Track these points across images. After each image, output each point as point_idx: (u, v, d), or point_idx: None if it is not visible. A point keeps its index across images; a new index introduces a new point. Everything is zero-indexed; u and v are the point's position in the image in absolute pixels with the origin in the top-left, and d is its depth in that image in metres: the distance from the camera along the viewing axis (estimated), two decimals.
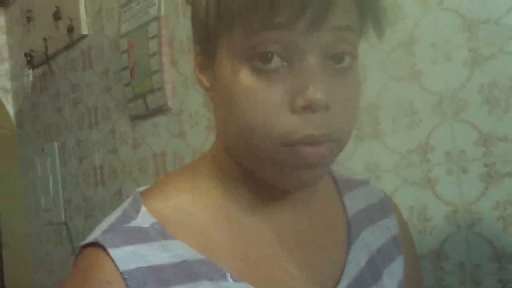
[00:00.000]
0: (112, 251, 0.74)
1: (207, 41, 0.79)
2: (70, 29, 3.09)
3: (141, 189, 0.87)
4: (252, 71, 0.71)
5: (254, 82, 0.71)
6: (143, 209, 0.81)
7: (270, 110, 0.70)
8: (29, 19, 3.54)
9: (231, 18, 0.72)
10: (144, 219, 0.79)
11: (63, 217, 3.31)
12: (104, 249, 0.75)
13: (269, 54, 0.70)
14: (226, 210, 0.83)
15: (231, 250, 0.81)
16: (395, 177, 1.65)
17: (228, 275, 0.78)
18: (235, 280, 0.77)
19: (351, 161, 1.76)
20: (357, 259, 0.92)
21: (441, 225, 1.54)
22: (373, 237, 0.97)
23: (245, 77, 0.72)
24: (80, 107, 3.15)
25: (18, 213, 3.78)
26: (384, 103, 1.67)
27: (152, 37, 2.47)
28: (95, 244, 0.76)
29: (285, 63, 0.71)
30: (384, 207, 1.05)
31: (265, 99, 0.71)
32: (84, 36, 3.05)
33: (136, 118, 2.68)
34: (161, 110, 2.51)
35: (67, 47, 3.21)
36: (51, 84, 3.43)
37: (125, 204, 0.83)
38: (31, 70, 3.53)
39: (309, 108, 0.69)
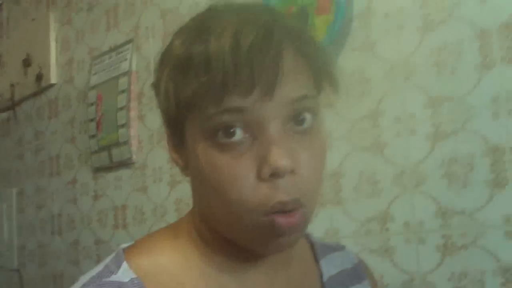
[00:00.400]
0: None
1: (174, 125, 0.82)
2: (39, 77, 3.10)
3: (124, 245, 0.87)
4: (217, 147, 0.74)
5: (220, 157, 0.74)
6: (124, 264, 0.81)
7: (239, 182, 0.73)
8: None
9: (189, 105, 0.76)
10: (124, 274, 0.80)
11: (16, 263, 3.26)
12: None
13: (231, 129, 0.73)
14: (204, 271, 0.84)
15: None
16: (354, 244, 1.68)
17: None
18: None
19: (312, 226, 1.79)
20: None
21: None
22: None
23: (212, 154, 0.75)
24: (42, 154, 3.14)
25: None
26: (347, 171, 1.72)
27: (122, 91, 2.50)
28: None
29: (247, 135, 0.74)
30: (358, 273, 1.07)
31: (233, 173, 0.73)
32: (52, 85, 3.06)
33: (99, 170, 2.69)
34: (125, 163, 2.52)
35: (35, 94, 3.22)
36: (14, 130, 3.42)
37: (108, 259, 0.84)
38: None
39: (275, 174, 0.72)
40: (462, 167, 1.47)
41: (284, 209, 0.73)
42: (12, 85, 3.31)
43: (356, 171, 1.70)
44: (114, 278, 0.80)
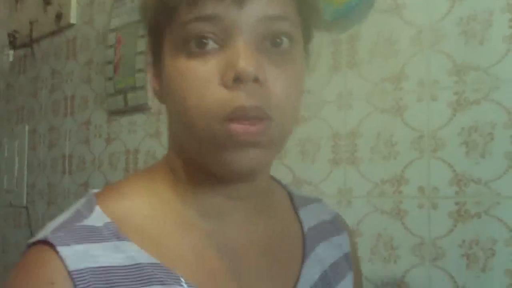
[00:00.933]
0: (61, 250, 0.72)
1: (154, 44, 0.83)
2: (59, 16, 3.09)
3: (95, 190, 0.84)
4: (188, 57, 0.74)
5: (189, 64, 0.74)
6: (97, 208, 0.79)
7: (202, 86, 0.72)
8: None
9: (165, 13, 0.76)
10: (97, 218, 0.77)
11: (25, 200, 3.29)
12: (53, 247, 0.72)
13: (204, 40, 0.73)
14: (183, 215, 0.82)
15: (186, 256, 0.80)
16: (366, 204, 1.70)
17: (182, 281, 0.76)
18: (189, 286, 0.76)
19: (325, 184, 1.82)
20: (311, 274, 0.92)
21: (406, 256, 1.60)
22: (326, 253, 0.98)
23: (182, 62, 0.74)
24: (57, 94, 3.15)
25: None
26: (364, 131, 1.73)
27: (142, 36, 2.49)
28: (44, 242, 0.73)
29: (218, 46, 0.73)
30: (337, 224, 1.07)
31: (197, 77, 0.73)
32: (72, 25, 3.05)
33: (114, 113, 2.70)
34: (140, 108, 2.53)
35: (53, 33, 3.21)
36: (30, 67, 3.42)
37: (78, 204, 0.81)
38: (12, 51, 3.51)
39: (238, 79, 0.71)
40: (482, 137, 1.48)
41: (244, 116, 0.72)
42: (31, 22, 3.30)
43: (374, 132, 1.71)
44: (86, 222, 0.77)
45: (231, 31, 0.73)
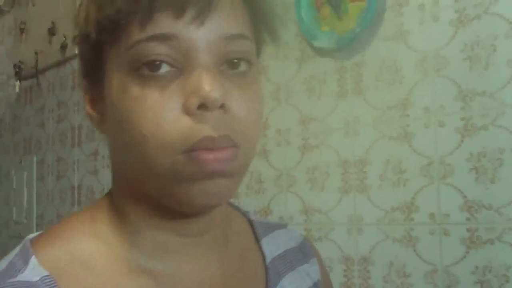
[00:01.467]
0: None
1: (92, 66, 0.73)
2: (64, 47, 3.10)
3: (31, 236, 0.75)
4: (140, 81, 0.65)
5: (143, 91, 0.65)
6: (33, 259, 0.69)
7: (162, 115, 0.64)
8: (22, 30, 3.55)
9: (110, 29, 0.67)
10: (33, 271, 0.68)
11: (35, 231, 3.28)
12: None
13: (157, 62, 0.65)
14: (129, 259, 0.73)
15: None
16: (377, 231, 1.70)
17: None
18: None
19: (334, 212, 1.81)
20: None
21: (419, 284, 1.59)
22: (293, 284, 0.89)
23: (134, 89, 0.66)
24: (64, 124, 3.16)
25: None
26: (373, 159, 1.73)
27: None
28: None
29: (174, 68, 0.66)
30: (305, 251, 0.97)
31: (155, 105, 0.64)
32: (76, 56, 3.05)
33: None
34: None
35: (58, 63, 3.22)
36: (36, 98, 3.43)
37: (12, 254, 0.72)
38: (18, 82, 3.52)
39: (204, 106, 0.64)
40: (491, 162, 1.48)
41: (211, 146, 0.64)
42: (36, 53, 3.32)
43: (382, 159, 1.71)
44: (21, 277, 0.68)
45: (189, 52, 0.65)
